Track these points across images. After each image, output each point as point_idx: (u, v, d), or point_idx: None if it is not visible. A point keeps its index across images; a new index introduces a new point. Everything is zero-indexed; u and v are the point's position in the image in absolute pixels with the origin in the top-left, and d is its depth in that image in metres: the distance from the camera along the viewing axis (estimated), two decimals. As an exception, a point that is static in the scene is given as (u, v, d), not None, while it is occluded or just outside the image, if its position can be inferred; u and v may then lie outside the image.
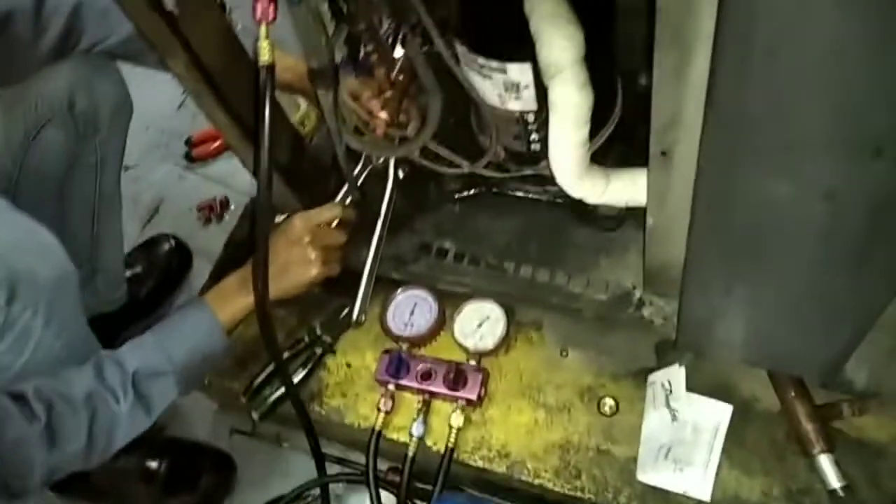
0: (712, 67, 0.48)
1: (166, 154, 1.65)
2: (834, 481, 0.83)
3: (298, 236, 0.97)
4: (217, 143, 1.57)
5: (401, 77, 0.98)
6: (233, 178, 1.54)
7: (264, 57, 0.65)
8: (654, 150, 0.64)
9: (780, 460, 0.88)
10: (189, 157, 1.60)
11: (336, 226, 1.02)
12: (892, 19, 0.39)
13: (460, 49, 0.82)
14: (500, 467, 0.96)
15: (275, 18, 0.66)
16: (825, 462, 0.84)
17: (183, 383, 0.90)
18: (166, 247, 1.43)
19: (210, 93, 0.87)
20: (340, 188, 1.06)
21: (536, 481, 0.94)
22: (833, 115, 0.46)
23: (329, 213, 1.01)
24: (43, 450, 0.78)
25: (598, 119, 0.78)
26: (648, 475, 0.90)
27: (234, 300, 0.94)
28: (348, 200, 1.04)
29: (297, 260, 0.96)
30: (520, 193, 1.01)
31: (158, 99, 1.63)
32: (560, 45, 0.64)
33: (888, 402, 0.87)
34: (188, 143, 1.61)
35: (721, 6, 0.42)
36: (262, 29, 0.65)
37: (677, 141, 0.62)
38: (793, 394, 0.88)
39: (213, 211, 1.51)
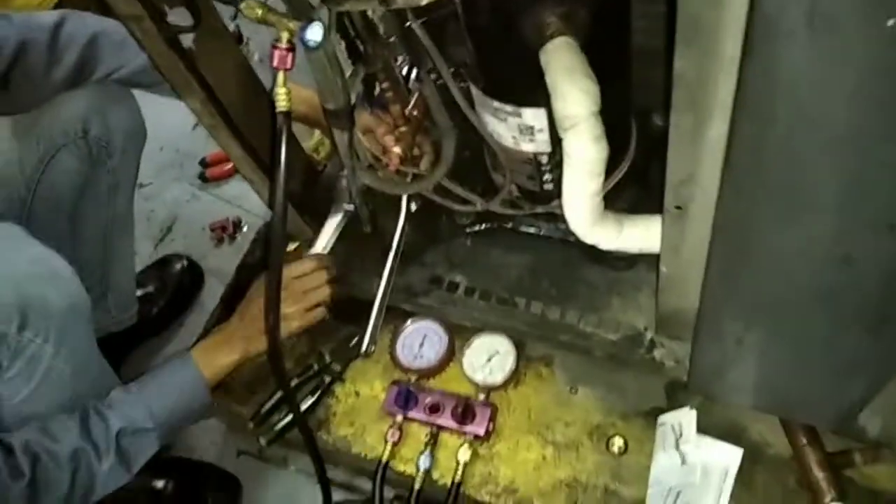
0: (730, 138, 0.48)
1: (180, 174, 1.66)
2: (844, 532, 0.82)
3: (295, 295, 1.00)
4: (231, 164, 1.58)
5: (415, 113, 0.98)
6: (246, 199, 1.55)
7: (281, 104, 0.66)
8: (668, 203, 0.64)
9: (789, 507, 0.88)
10: (203, 178, 1.61)
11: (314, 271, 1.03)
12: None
13: (475, 92, 0.82)
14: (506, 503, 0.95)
15: (293, 66, 0.66)
16: (836, 512, 0.83)
17: (162, 438, 0.92)
18: (178, 267, 1.44)
19: (225, 127, 0.87)
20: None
21: (543, 519, 0.94)
22: (848, 194, 0.46)
23: (301, 267, 1.03)
24: None
25: (611, 160, 0.78)
26: (656, 518, 0.89)
27: (219, 357, 0.97)
28: (327, 248, 1.07)
29: (293, 317, 1.00)
30: (532, 230, 1.01)
31: (173, 119, 1.63)
32: (575, 98, 0.64)
33: (901, 451, 0.86)
34: (202, 163, 1.62)
35: (740, 91, 0.42)
36: (280, 76, 0.65)
37: (692, 197, 0.62)
38: (804, 441, 0.87)
39: (225, 231, 1.52)
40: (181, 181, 1.65)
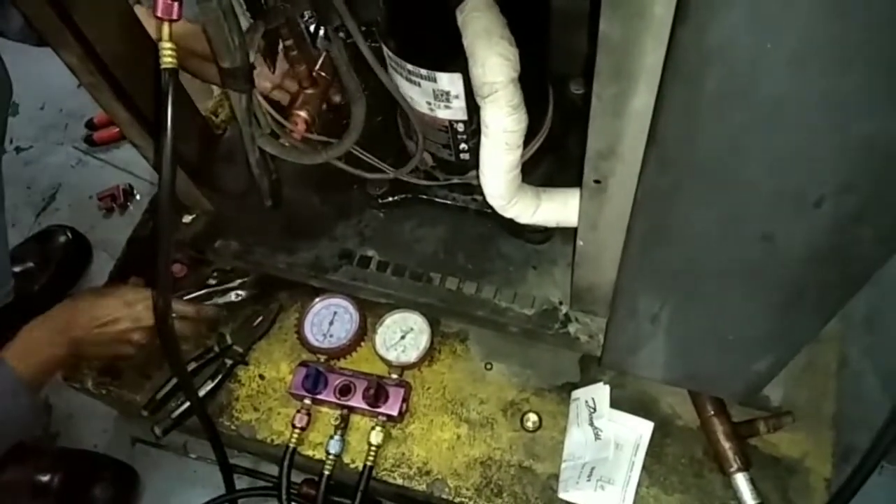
0: (657, 108, 0.45)
1: (64, 136, 1.51)
2: (749, 500, 0.84)
3: (139, 317, 0.93)
4: (121, 127, 1.45)
5: (322, 74, 0.92)
6: (137, 164, 1.43)
7: (167, 60, 0.58)
8: (587, 177, 0.61)
9: (697, 477, 0.89)
10: (90, 141, 1.47)
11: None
12: (842, 79, 0.37)
13: (387, 53, 0.76)
14: (420, 485, 0.93)
15: (179, 17, 0.58)
16: (741, 481, 0.85)
17: None
18: (62, 239, 1.32)
19: (108, 87, 0.78)
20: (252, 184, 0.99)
21: (457, 499, 0.91)
22: (775, 168, 0.44)
23: (184, 308, 0.98)
24: None
25: (528, 129, 0.75)
26: (570, 493, 0.88)
27: (41, 352, 0.86)
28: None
29: (121, 334, 0.93)
30: (447, 201, 0.97)
31: (56, 74, 1.49)
32: (494, 64, 0.60)
33: (801, 419, 0.89)
34: (89, 125, 1.48)
35: (671, 56, 0.39)
36: (165, 29, 0.57)
37: (612, 171, 0.59)
38: (711, 412, 0.88)
39: (115, 200, 1.40)
40: (65, 144, 1.50)
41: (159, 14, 0.58)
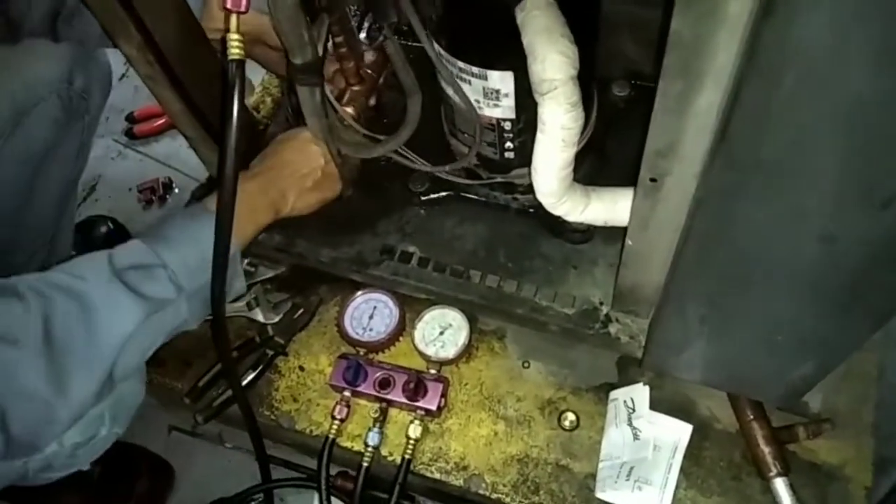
0: (730, 106, 0.46)
1: (105, 128, 1.53)
2: (788, 504, 0.84)
3: (312, 160, 0.88)
4: (161, 121, 1.48)
5: (369, 71, 0.93)
6: (177, 158, 1.46)
7: (234, 51, 0.59)
8: (643, 175, 0.62)
9: (735, 481, 0.89)
10: (130, 134, 1.50)
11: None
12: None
13: (438, 50, 0.77)
14: (457, 480, 0.93)
15: (247, 9, 0.59)
16: (780, 486, 0.85)
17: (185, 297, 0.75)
18: (103, 229, 1.34)
19: (164, 78, 0.79)
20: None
21: (494, 495, 0.92)
22: (848, 166, 0.44)
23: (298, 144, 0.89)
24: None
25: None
26: (607, 493, 0.89)
27: (249, 211, 0.80)
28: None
29: (329, 173, 0.89)
30: (488, 199, 0.97)
31: (98, 68, 1.52)
32: (554, 61, 0.61)
33: (840, 426, 0.89)
34: (130, 118, 1.51)
35: (752, 54, 0.39)
36: (233, 21, 0.59)
37: (669, 169, 0.59)
38: (751, 416, 0.88)
39: (154, 193, 1.42)
40: (106, 137, 1.53)
41: (228, 6, 0.59)
